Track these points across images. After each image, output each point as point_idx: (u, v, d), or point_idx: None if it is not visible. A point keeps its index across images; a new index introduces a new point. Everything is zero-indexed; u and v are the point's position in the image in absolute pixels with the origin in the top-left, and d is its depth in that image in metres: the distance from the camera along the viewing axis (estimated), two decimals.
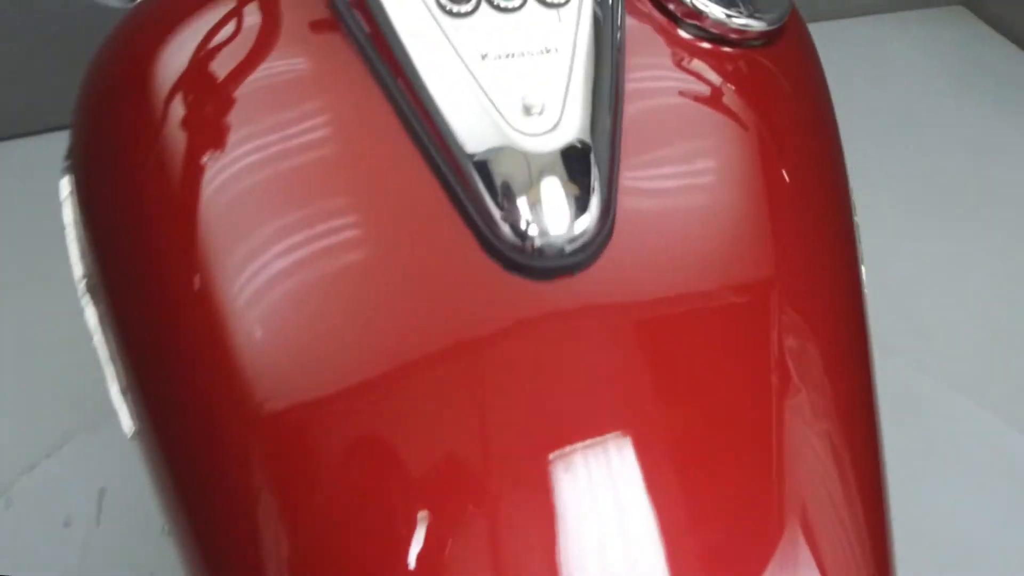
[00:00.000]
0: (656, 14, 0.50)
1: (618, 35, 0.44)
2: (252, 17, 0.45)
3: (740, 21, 0.49)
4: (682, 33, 0.49)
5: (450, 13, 0.41)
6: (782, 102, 0.49)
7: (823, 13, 2.25)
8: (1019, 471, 1.58)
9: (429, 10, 0.41)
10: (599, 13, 0.43)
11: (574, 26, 0.42)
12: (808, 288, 0.44)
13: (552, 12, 0.42)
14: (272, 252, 0.38)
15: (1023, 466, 1.59)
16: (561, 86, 0.41)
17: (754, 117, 0.47)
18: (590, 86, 0.41)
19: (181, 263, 0.39)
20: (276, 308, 0.37)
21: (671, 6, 0.50)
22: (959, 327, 1.80)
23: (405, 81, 0.41)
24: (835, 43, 2.26)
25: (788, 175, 0.46)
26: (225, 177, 0.41)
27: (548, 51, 0.41)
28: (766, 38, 0.50)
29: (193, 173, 0.41)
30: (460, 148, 0.39)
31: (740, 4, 0.49)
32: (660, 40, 0.49)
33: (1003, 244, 1.94)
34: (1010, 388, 1.71)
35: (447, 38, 0.41)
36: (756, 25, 0.49)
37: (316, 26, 0.45)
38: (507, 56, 0.41)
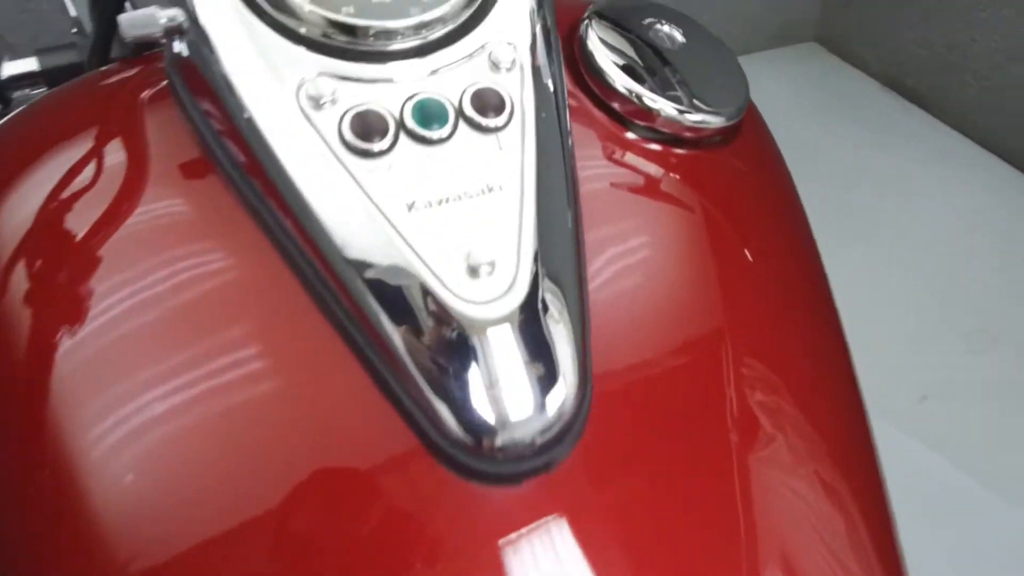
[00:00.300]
0: (597, 114, 0.42)
1: (569, 158, 0.34)
2: (110, 158, 0.34)
3: (695, 118, 0.41)
4: (630, 135, 0.41)
5: (360, 153, 0.31)
6: (753, 208, 0.42)
7: None
8: (921, 484, 1.60)
9: (331, 150, 0.31)
10: (544, 132, 0.34)
11: (518, 153, 0.33)
12: (816, 417, 0.36)
13: (490, 139, 0.33)
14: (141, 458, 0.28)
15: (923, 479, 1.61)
16: (512, 234, 0.31)
17: (730, 232, 0.39)
18: (548, 229, 0.32)
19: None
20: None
21: (615, 104, 0.41)
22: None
23: (307, 242, 0.31)
24: None
25: (776, 295, 0.38)
26: (78, 361, 0.30)
27: (491, 189, 0.32)
28: (724, 135, 0.42)
29: (46, 352, 0.31)
30: (388, 327, 0.29)
31: (691, 98, 0.42)
32: (611, 151, 0.40)
33: (877, 266, 2.00)
34: (889, 400, 1.75)
35: (359, 186, 0.31)
36: (714, 122, 0.41)
37: (187, 169, 0.35)
38: (440, 203, 0.31)
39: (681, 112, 0.41)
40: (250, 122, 0.31)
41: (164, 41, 0.35)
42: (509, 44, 0.34)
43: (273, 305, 0.32)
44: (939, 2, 2.11)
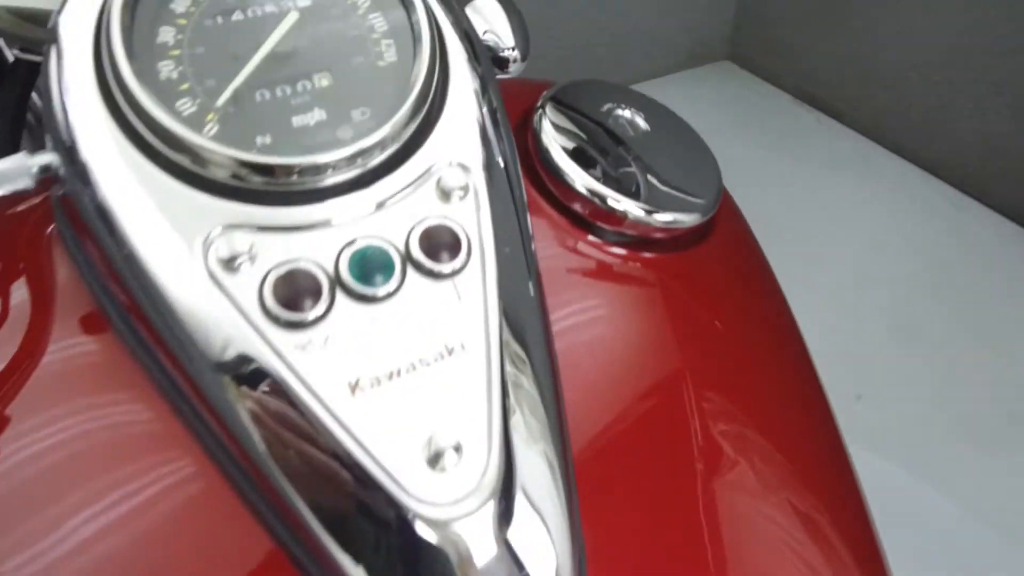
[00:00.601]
0: (557, 218, 0.36)
1: (539, 297, 0.29)
2: None
3: (666, 218, 0.36)
4: (596, 240, 0.36)
5: (288, 325, 0.25)
6: (733, 310, 0.37)
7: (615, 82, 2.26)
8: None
9: (251, 324, 0.25)
10: (508, 271, 0.28)
11: (480, 301, 0.27)
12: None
13: (445, 286, 0.27)
14: None
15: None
16: (480, 407, 0.25)
17: (716, 346, 0.34)
18: (523, 393, 0.26)
19: None
20: None
21: (576, 206, 0.36)
22: None
23: (226, 440, 0.24)
24: None
25: (769, 418, 0.34)
26: None
27: (451, 352, 0.26)
28: (699, 231, 0.37)
29: None
30: (334, 549, 0.23)
31: (660, 194, 0.36)
32: (579, 265, 0.35)
33: (803, 272, 2.03)
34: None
35: (289, 368, 0.24)
36: (687, 220, 0.36)
37: (86, 325, 0.28)
38: (391, 377, 0.25)
39: (649, 212, 0.35)
40: (146, 292, 0.25)
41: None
42: (459, 166, 0.28)
43: (187, 511, 0.25)
44: (844, 19, 2.15)
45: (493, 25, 0.70)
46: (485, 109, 0.30)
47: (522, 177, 0.36)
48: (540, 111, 0.38)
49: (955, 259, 2.07)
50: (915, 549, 1.47)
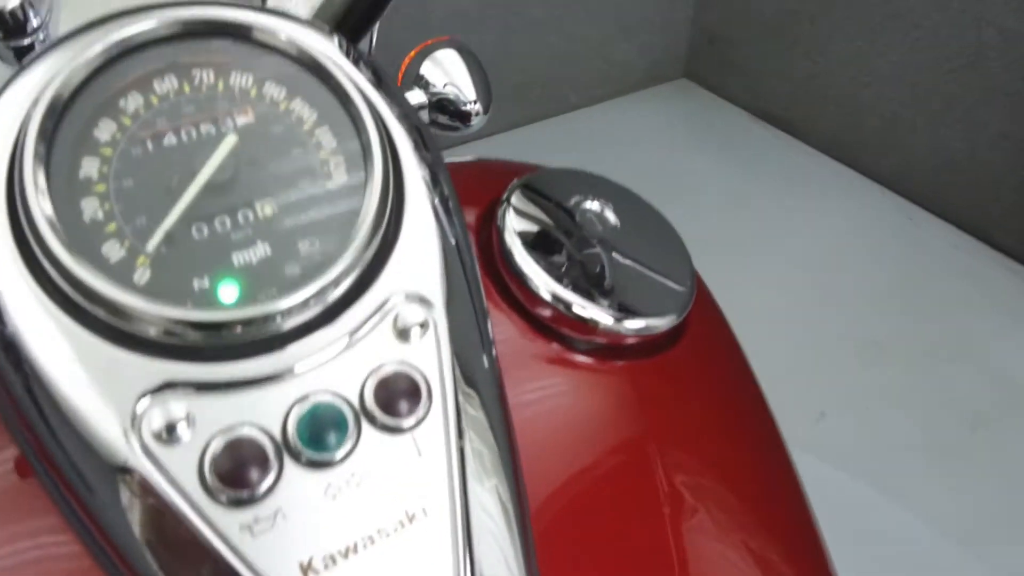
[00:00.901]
0: (521, 323, 0.34)
1: (512, 447, 0.26)
2: None
3: (637, 325, 0.34)
4: (560, 348, 0.33)
5: (232, 503, 0.22)
6: (709, 416, 0.35)
7: (573, 104, 2.26)
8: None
9: (191, 502, 0.22)
10: (474, 419, 0.25)
11: (443, 456, 0.24)
12: None
13: (404, 441, 0.24)
14: None
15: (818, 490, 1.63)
16: None
17: (694, 464, 0.32)
18: (494, 554, 0.24)
19: None
20: None
21: (541, 312, 0.34)
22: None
23: None
24: (589, 129, 2.29)
25: (754, 535, 0.32)
26: None
27: (412, 518, 0.23)
28: (672, 333, 0.35)
29: None
30: None
31: (630, 297, 0.34)
32: (548, 382, 0.32)
33: (762, 288, 2.04)
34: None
35: (234, 552, 0.22)
36: (659, 324, 0.34)
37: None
38: (347, 553, 0.22)
39: (620, 320, 0.33)
40: (74, 468, 0.22)
41: None
42: (418, 299, 0.26)
43: None
44: (796, 38, 2.17)
45: (453, 78, 0.67)
46: (446, 227, 0.28)
47: (487, 281, 0.34)
48: (505, 205, 0.36)
49: (912, 271, 2.10)
50: (880, 565, 1.48)
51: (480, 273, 0.31)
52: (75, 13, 0.32)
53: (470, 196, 0.41)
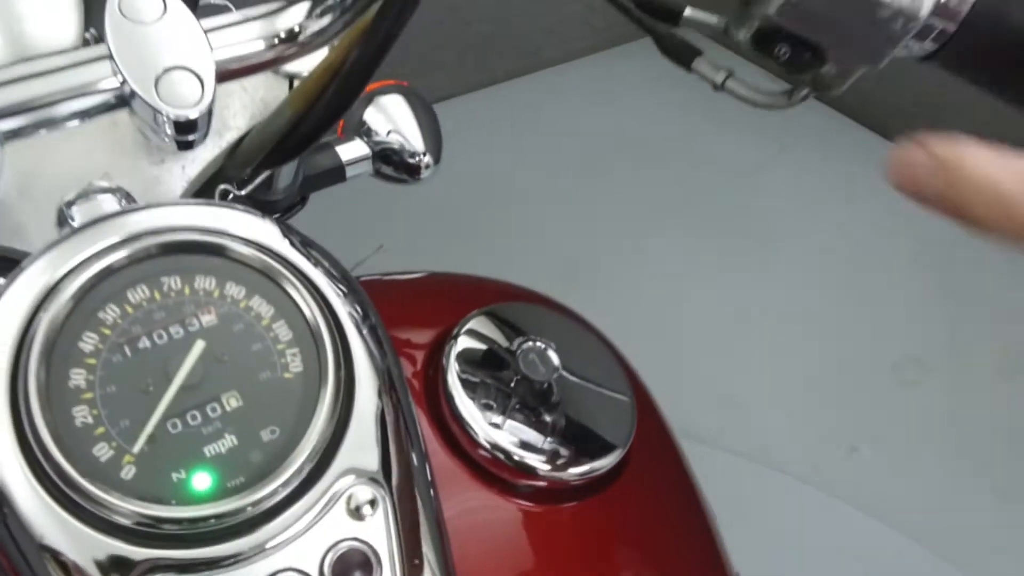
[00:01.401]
0: (465, 472, 0.47)
1: None
2: None
3: (578, 470, 0.47)
4: (503, 493, 0.47)
5: None
6: (657, 545, 0.49)
7: (549, 60, 2.39)
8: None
9: None
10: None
11: None
12: None
13: None
14: None
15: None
16: None
17: None
18: None
19: None
20: None
21: (483, 456, 0.47)
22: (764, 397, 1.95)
23: None
24: (570, 84, 2.41)
25: None
26: None
27: None
28: (618, 466, 0.49)
29: None
30: None
31: (571, 439, 0.48)
32: (491, 525, 0.46)
33: (780, 289, 2.14)
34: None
35: None
36: (601, 464, 0.48)
37: None
38: None
39: (560, 466, 0.47)
40: None
41: None
42: (368, 479, 0.39)
43: None
44: None
45: (399, 125, 0.80)
46: (391, 408, 0.41)
47: (433, 424, 0.47)
48: (452, 343, 0.49)
49: (962, 272, 2.19)
50: None
51: (425, 416, 0.45)
52: (23, 192, 0.45)
53: (423, 320, 0.55)
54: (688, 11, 0.48)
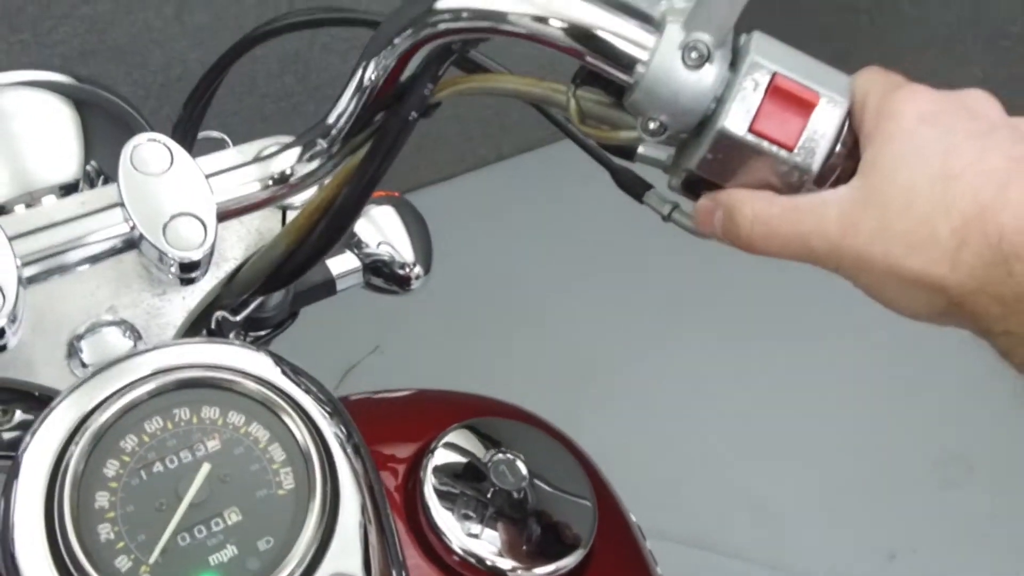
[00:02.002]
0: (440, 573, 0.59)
1: None
2: None
3: (546, 570, 0.59)
4: None
5: None
6: None
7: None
8: None
9: None
10: None
11: None
12: None
13: None
14: None
15: None
16: None
17: None
18: None
19: None
20: None
21: (457, 562, 0.59)
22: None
23: None
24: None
25: None
26: None
27: None
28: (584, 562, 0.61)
29: None
30: None
31: (539, 543, 0.60)
32: None
33: (819, 373, 2.21)
34: None
35: None
36: (566, 563, 0.60)
37: None
38: None
39: (528, 568, 0.59)
40: None
41: None
42: None
43: None
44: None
45: (388, 237, 0.93)
46: (372, 519, 0.53)
47: (411, 533, 0.59)
48: (429, 457, 0.61)
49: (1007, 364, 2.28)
50: None
51: (404, 525, 0.57)
52: (35, 328, 0.58)
53: (404, 435, 0.67)
54: (641, 149, 0.61)
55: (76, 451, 0.50)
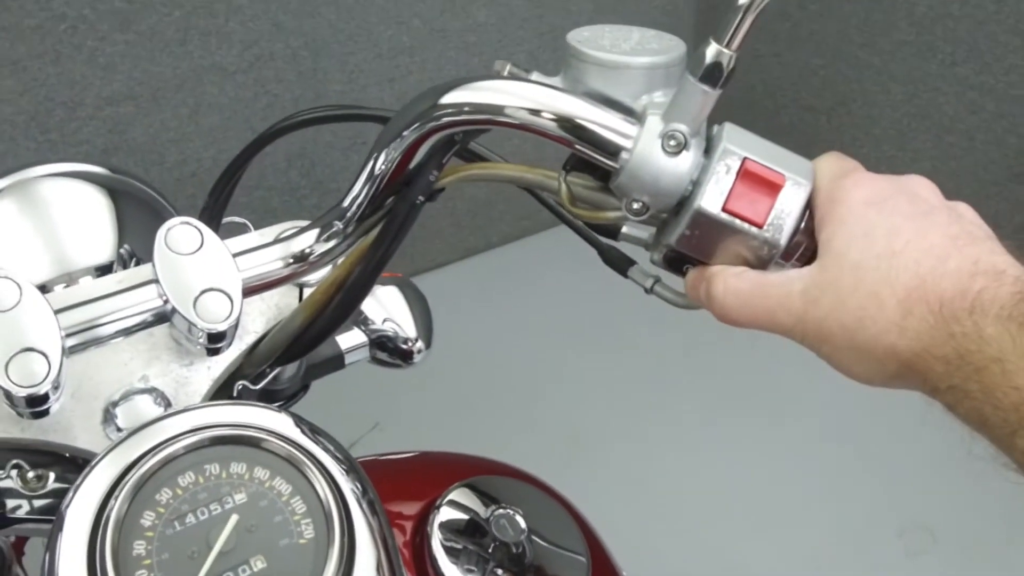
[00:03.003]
0: None
1: None
2: None
3: None
4: None
5: None
6: None
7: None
8: None
9: None
10: None
11: None
12: None
13: None
14: None
15: None
16: None
17: None
18: None
19: None
20: None
21: None
22: None
23: None
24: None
25: None
26: None
27: None
28: None
29: None
30: None
31: None
32: None
33: (780, 451, 2.23)
34: None
35: None
36: None
37: None
38: None
39: None
40: None
41: None
42: None
43: None
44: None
45: (392, 314, 0.96)
46: (385, 568, 0.54)
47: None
48: (435, 512, 0.63)
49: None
50: None
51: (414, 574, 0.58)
52: (74, 395, 0.60)
53: (411, 494, 0.69)
54: (625, 228, 0.64)
55: (116, 503, 0.51)
